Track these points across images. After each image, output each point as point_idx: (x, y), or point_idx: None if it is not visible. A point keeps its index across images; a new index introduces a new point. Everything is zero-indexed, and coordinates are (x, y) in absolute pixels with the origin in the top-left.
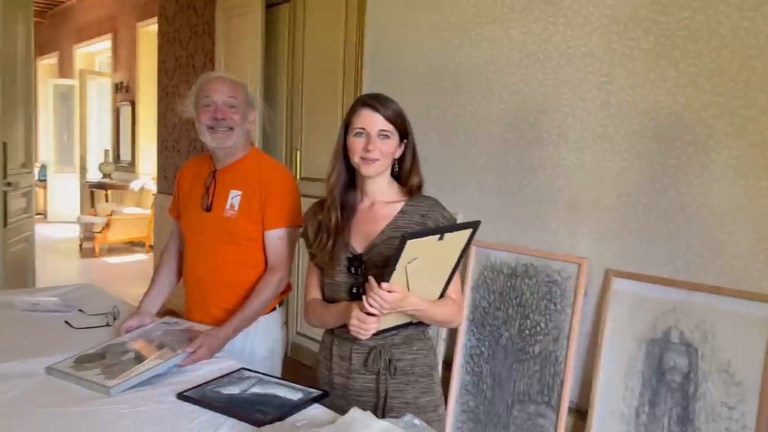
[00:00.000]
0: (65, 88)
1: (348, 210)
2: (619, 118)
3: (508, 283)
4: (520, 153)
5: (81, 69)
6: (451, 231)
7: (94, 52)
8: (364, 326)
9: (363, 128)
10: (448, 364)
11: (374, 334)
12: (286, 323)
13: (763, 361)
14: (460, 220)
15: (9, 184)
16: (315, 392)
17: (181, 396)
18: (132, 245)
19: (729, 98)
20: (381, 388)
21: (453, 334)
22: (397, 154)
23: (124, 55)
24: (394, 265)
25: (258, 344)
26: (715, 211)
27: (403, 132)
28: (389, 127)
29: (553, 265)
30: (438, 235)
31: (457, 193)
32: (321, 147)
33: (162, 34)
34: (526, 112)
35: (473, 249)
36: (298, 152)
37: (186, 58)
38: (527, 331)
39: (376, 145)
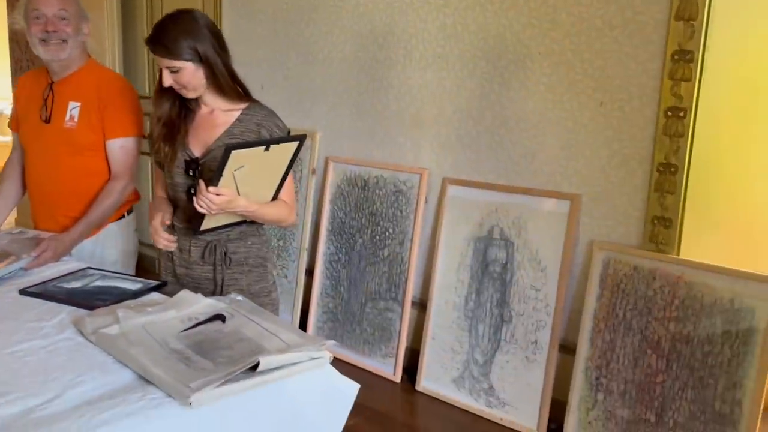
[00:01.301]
0: None
1: (188, 115)
2: (454, 38)
3: (362, 195)
4: (371, 72)
5: None
6: (277, 143)
7: None
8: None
9: (161, 68)
10: (310, 271)
11: (209, 230)
12: (137, 230)
13: (562, 249)
14: (319, 136)
15: None
16: (154, 282)
17: (23, 291)
18: None
19: (542, 21)
20: (218, 277)
21: (314, 243)
22: (202, 75)
23: None
24: (220, 172)
25: (108, 249)
26: (530, 123)
27: (195, 57)
28: (174, 63)
29: (400, 176)
30: (264, 147)
31: (316, 111)
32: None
33: None
34: (375, 33)
35: (331, 164)
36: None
37: None
38: (378, 237)
39: (174, 79)
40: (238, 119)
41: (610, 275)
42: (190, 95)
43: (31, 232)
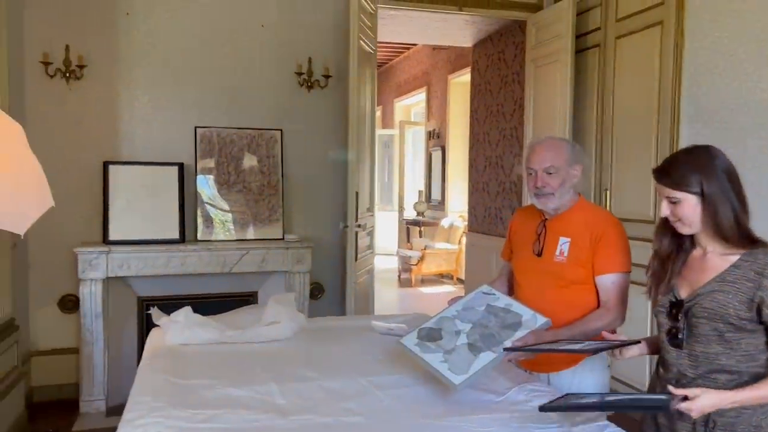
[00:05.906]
0: (387, 137)
1: (681, 256)
2: None
3: None
4: None
5: (400, 120)
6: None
7: (411, 104)
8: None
9: (660, 197)
10: None
11: None
12: (609, 365)
13: None
14: None
15: (359, 225)
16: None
17: (544, 407)
18: (441, 277)
19: None
20: None
21: None
22: (699, 211)
23: (436, 106)
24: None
25: (584, 381)
26: None
27: (698, 191)
28: (675, 194)
29: None
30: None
31: None
32: (631, 187)
33: (474, 86)
34: None
35: None
36: (608, 192)
37: (496, 106)
38: None
39: (671, 210)
40: (734, 265)
41: None
42: (685, 231)
43: (503, 298)
